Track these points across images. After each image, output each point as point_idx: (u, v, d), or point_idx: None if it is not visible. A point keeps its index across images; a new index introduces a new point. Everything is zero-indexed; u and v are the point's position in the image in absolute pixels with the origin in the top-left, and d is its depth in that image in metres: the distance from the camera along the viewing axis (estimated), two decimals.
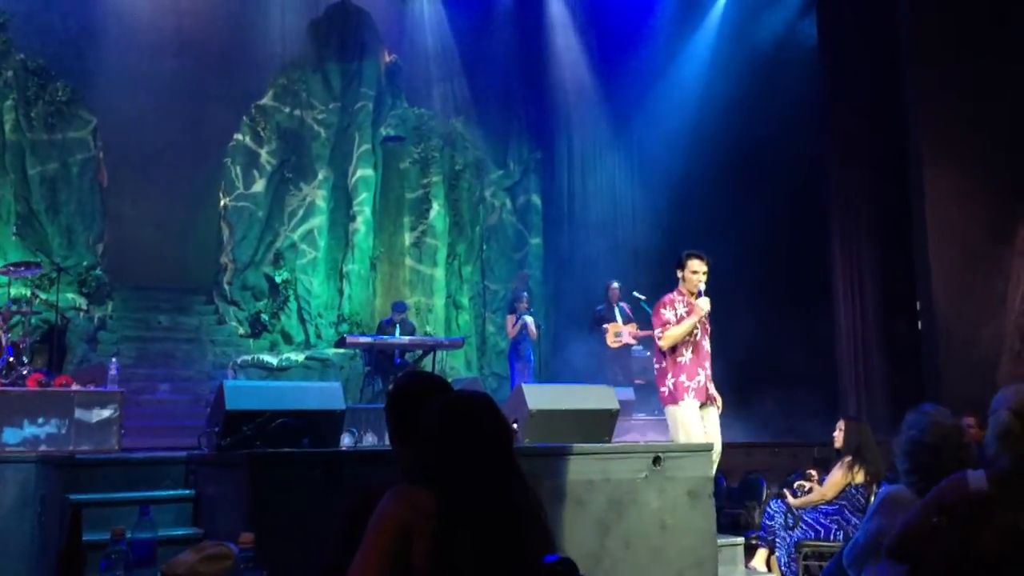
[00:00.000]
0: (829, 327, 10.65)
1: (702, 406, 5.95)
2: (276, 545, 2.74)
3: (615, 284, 10.91)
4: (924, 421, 3.28)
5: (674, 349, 5.96)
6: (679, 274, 6.10)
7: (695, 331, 5.99)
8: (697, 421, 5.89)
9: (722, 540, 5.47)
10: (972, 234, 9.33)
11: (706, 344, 6.10)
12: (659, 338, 5.99)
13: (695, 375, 5.95)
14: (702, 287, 5.98)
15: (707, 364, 6.05)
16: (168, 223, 12.45)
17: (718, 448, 5.90)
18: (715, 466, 5.86)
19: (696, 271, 6.01)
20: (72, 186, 11.27)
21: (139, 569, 2.47)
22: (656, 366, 6.14)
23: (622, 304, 10.78)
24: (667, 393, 5.98)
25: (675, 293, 6.10)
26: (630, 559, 4.84)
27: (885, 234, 10.36)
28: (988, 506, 2.50)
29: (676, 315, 5.99)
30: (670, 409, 5.97)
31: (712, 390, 6.04)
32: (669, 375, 5.97)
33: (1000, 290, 9.37)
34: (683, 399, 5.89)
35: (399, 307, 10.87)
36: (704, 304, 5.95)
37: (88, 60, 11.87)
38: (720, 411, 6.15)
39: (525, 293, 11.32)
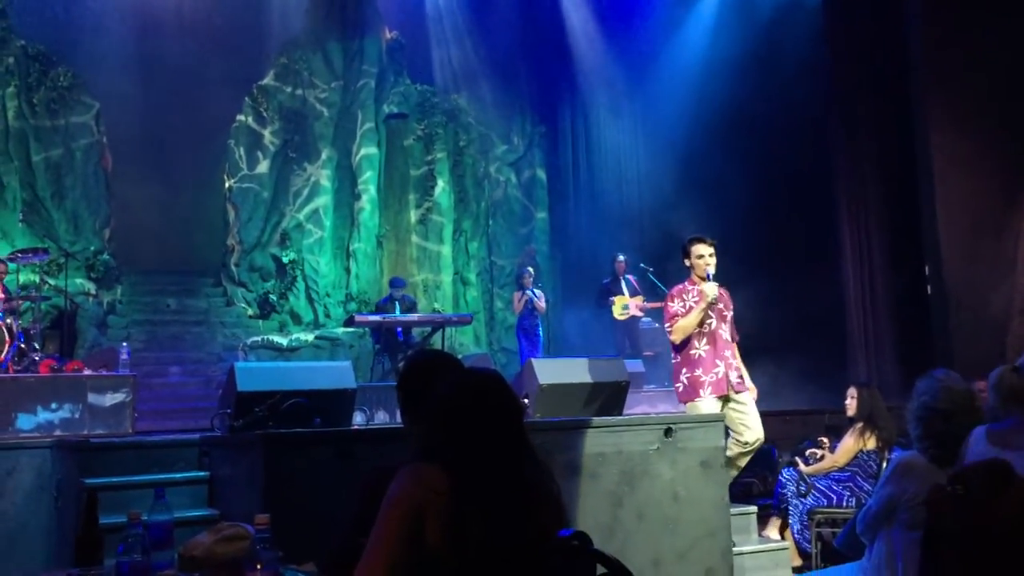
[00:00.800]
0: (838, 293, 10.62)
1: (727, 399, 5.58)
2: (291, 525, 2.76)
3: (621, 257, 10.91)
4: (936, 387, 3.28)
5: (687, 342, 5.60)
6: (686, 263, 5.77)
7: (709, 320, 5.60)
8: None
9: (735, 509, 5.48)
10: (980, 198, 9.27)
11: (724, 332, 5.69)
12: (669, 332, 5.65)
13: (712, 367, 5.57)
14: (711, 271, 5.61)
15: (728, 354, 5.65)
16: (174, 206, 12.45)
17: (759, 435, 5.60)
18: (751, 454, 5.66)
19: (702, 255, 5.66)
20: (77, 171, 11.27)
21: (156, 551, 2.49)
22: (673, 360, 5.79)
23: (629, 277, 10.78)
24: (682, 389, 5.67)
25: (686, 283, 5.75)
26: (644, 530, 4.86)
27: (893, 198, 10.30)
28: (1005, 475, 2.49)
29: (685, 306, 5.63)
30: (688, 406, 5.67)
31: (736, 379, 5.62)
32: (684, 370, 5.65)
33: (1009, 254, 9.32)
34: (700, 395, 5.54)
35: (397, 283, 10.88)
36: (710, 289, 5.55)
37: (89, 45, 11.82)
38: (755, 398, 5.79)
39: (530, 268, 11.32)
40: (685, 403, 5.68)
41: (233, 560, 2.44)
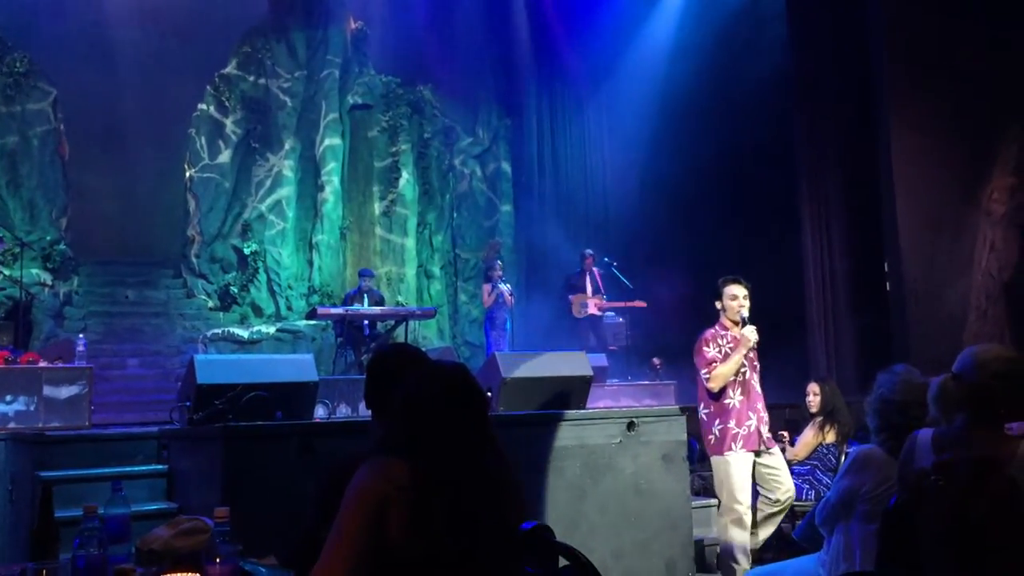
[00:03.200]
0: (798, 287, 10.73)
1: (757, 454, 5.30)
2: (251, 518, 2.73)
3: (589, 251, 10.95)
4: (894, 380, 3.33)
5: (722, 391, 5.31)
6: (717, 305, 5.47)
7: (743, 368, 5.33)
8: (745, 476, 5.25)
9: (696, 502, 5.52)
10: (939, 195, 9.42)
11: (756, 383, 5.42)
12: (707, 379, 5.31)
13: (745, 420, 5.27)
14: (744, 314, 5.34)
15: (760, 406, 5.37)
16: (133, 196, 12.28)
17: (791, 492, 5.39)
18: (783, 512, 5.44)
19: (735, 296, 5.39)
20: (33, 159, 11.07)
21: (113, 545, 2.45)
22: (703, 411, 5.43)
23: (595, 271, 10.82)
24: (713, 441, 5.33)
25: (716, 327, 5.44)
26: (606, 523, 4.88)
27: (854, 195, 10.42)
28: (987, 469, 2.52)
29: (721, 351, 5.32)
30: (715, 460, 5.35)
31: (768, 434, 5.39)
32: (717, 421, 5.30)
33: (967, 250, 9.48)
34: (730, 449, 5.23)
35: (366, 273, 10.82)
36: (751, 334, 5.30)
37: (46, 30, 11.60)
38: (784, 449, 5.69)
39: (499, 261, 11.32)
40: (713, 456, 5.38)
41: (192, 554, 2.41)
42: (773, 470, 5.33)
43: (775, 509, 5.36)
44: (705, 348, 5.34)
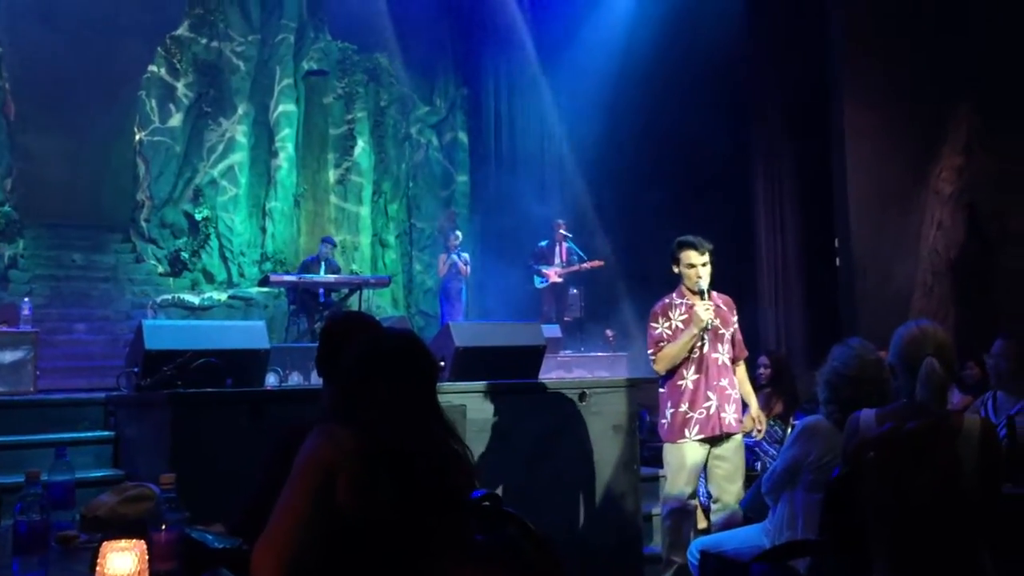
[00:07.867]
0: (751, 261, 10.85)
1: (716, 441, 4.62)
2: (199, 485, 2.71)
3: (560, 221, 10.96)
4: (848, 354, 3.36)
5: (674, 370, 4.67)
6: (675, 270, 4.81)
7: (700, 342, 4.63)
8: (689, 470, 4.62)
9: (645, 472, 5.59)
10: (889, 172, 9.54)
11: (721, 355, 4.69)
12: (652, 360, 4.71)
13: (702, 402, 4.58)
14: (703, 284, 4.66)
15: (724, 383, 4.64)
16: (81, 158, 12.01)
17: (739, 494, 4.60)
18: (728, 511, 4.63)
19: (692, 264, 4.72)
20: None
21: (57, 511, 2.42)
22: (659, 390, 4.82)
23: (563, 243, 10.82)
24: (666, 426, 4.69)
25: (673, 295, 4.80)
26: (557, 493, 4.92)
27: (807, 172, 10.53)
28: (925, 444, 2.55)
29: (672, 326, 4.68)
30: (666, 447, 4.72)
31: (733, 418, 4.65)
32: (669, 403, 4.68)
33: (915, 227, 9.63)
34: (684, 436, 4.59)
35: (329, 241, 10.74)
36: (703, 314, 4.56)
37: None
38: (760, 433, 5.07)
39: (457, 232, 11.29)
40: (667, 442, 4.72)
41: (137, 521, 2.39)
42: (725, 466, 4.65)
43: (718, 509, 4.69)
44: (653, 324, 4.73)
